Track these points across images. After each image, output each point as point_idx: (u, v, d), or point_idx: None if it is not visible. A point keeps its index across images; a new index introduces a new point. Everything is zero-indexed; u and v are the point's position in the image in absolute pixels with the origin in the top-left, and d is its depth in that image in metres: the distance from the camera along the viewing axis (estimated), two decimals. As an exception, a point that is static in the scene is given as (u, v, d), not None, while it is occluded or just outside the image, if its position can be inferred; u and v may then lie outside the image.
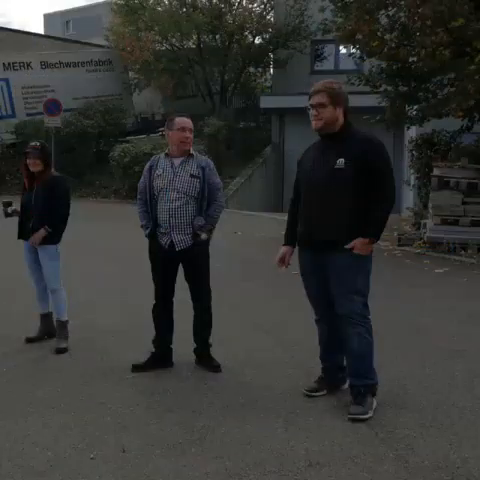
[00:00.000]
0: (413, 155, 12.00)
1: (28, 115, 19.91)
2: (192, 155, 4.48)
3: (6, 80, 19.90)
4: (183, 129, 4.40)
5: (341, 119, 3.79)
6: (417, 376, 4.37)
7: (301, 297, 4.23)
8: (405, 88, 10.63)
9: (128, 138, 21.33)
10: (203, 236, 4.42)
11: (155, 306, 4.61)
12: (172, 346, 4.62)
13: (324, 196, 3.75)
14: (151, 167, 4.53)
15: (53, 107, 17.72)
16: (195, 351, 4.64)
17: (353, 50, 11.16)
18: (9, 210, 5.23)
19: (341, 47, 18.91)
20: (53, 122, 17.54)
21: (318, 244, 3.81)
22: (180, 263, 4.50)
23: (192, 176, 4.40)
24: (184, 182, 4.38)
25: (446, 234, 9.33)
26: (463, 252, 9.13)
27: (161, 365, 4.53)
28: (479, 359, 4.73)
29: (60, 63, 21.23)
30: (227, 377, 4.39)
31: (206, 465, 3.18)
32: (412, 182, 13.13)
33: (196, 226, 4.40)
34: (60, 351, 4.91)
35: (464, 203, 9.40)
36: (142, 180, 4.60)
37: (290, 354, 4.85)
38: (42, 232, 4.95)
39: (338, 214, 3.72)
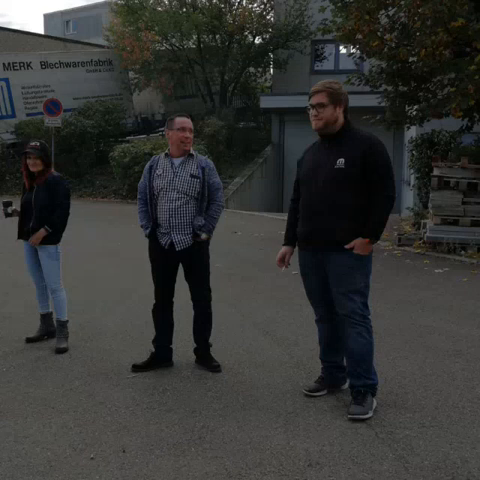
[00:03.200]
0: (413, 155, 12.00)
1: (28, 115, 19.93)
2: (192, 155, 4.49)
3: (6, 80, 19.92)
4: (183, 129, 4.41)
5: (341, 119, 3.79)
6: (417, 376, 4.38)
7: (301, 297, 4.23)
8: (405, 88, 10.64)
9: (128, 138, 21.36)
10: (203, 236, 4.43)
11: (155, 306, 4.61)
12: (172, 346, 4.62)
13: (324, 196, 3.76)
14: (151, 167, 4.53)
15: (53, 107, 17.73)
16: (195, 351, 4.65)
17: (353, 50, 11.17)
18: (9, 210, 5.23)
19: (341, 47, 18.93)
20: (53, 122, 17.55)
21: (318, 244, 3.81)
22: (180, 263, 4.51)
23: (192, 176, 4.40)
24: (184, 182, 4.39)
25: (446, 234, 9.33)
26: (463, 252, 9.13)
27: (161, 365, 4.53)
28: (479, 359, 4.73)
29: (60, 63, 21.25)
30: (227, 377, 4.39)
31: (206, 465, 3.19)
32: (412, 182, 13.14)
33: (196, 226, 4.40)
34: (60, 351, 4.91)
35: (464, 203, 9.41)
36: (142, 180, 4.60)
37: (290, 354, 4.85)
38: (42, 232, 4.95)
39: (338, 214, 3.72)
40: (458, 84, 8.90)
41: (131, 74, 23.00)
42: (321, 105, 3.74)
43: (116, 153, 17.22)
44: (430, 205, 9.90)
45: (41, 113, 18.37)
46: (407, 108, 11.02)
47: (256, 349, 4.97)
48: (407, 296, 6.78)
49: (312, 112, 3.79)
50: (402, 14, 9.88)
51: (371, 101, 11.59)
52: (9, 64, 20.01)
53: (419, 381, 4.28)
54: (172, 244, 4.40)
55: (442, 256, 9.07)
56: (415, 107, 10.60)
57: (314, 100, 3.78)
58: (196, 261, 4.48)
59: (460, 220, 9.34)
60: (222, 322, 4.98)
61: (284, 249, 4.09)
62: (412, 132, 12.99)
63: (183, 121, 4.45)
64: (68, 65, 21.49)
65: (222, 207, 4.61)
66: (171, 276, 4.52)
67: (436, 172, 9.72)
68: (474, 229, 9.25)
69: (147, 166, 4.58)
